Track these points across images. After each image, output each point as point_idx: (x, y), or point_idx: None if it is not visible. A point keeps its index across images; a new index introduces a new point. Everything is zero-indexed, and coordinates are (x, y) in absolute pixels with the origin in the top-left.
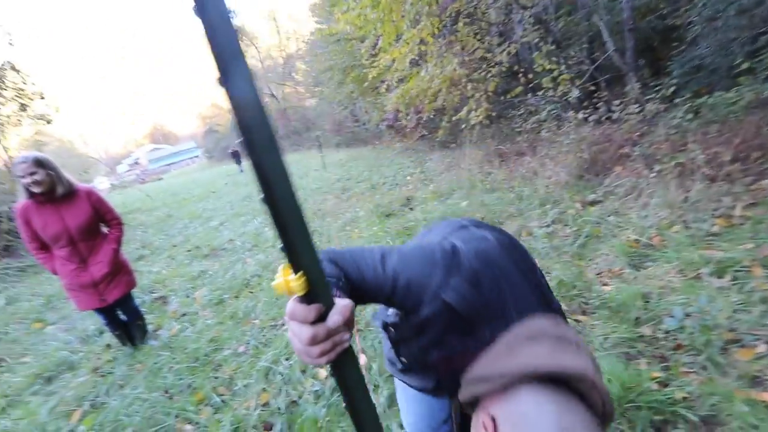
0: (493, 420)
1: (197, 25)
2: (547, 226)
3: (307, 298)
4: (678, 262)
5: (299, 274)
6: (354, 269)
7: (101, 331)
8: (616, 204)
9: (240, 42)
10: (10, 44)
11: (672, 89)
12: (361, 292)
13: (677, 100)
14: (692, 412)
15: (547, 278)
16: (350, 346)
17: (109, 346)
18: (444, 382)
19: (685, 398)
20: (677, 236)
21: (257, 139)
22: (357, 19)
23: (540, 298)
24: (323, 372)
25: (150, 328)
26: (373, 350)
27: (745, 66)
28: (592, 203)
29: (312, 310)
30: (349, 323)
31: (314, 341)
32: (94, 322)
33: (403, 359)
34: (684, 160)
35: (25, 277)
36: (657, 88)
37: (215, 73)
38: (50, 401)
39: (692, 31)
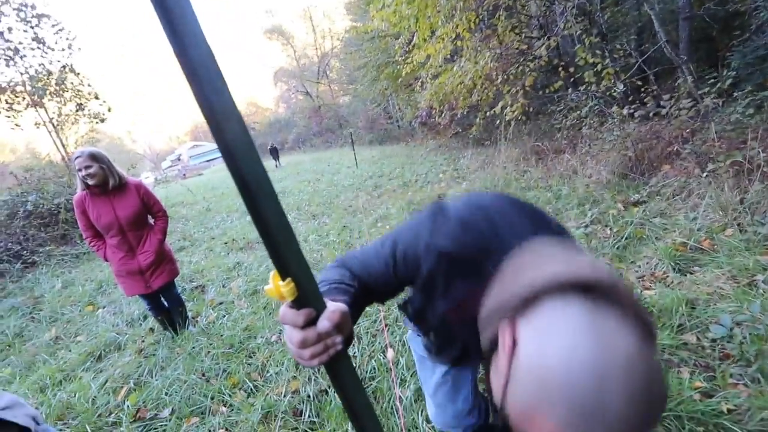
0: (514, 342)
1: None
2: (586, 226)
3: (297, 303)
4: (730, 268)
5: (287, 280)
6: (359, 263)
7: (145, 316)
8: (663, 205)
9: (210, 48)
10: (78, 49)
11: (731, 81)
12: (372, 284)
13: (737, 94)
14: (739, 426)
15: None
16: (344, 349)
17: (152, 329)
18: (468, 342)
19: (731, 411)
20: (730, 240)
21: (236, 150)
22: (392, 16)
23: (538, 223)
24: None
25: (189, 314)
26: (401, 345)
27: None
28: (636, 203)
29: (301, 315)
30: (340, 327)
31: (304, 345)
32: (139, 307)
33: (431, 337)
34: (741, 158)
35: (80, 263)
36: (714, 81)
37: (187, 83)
38: (100, 378)
39: (758, 18)
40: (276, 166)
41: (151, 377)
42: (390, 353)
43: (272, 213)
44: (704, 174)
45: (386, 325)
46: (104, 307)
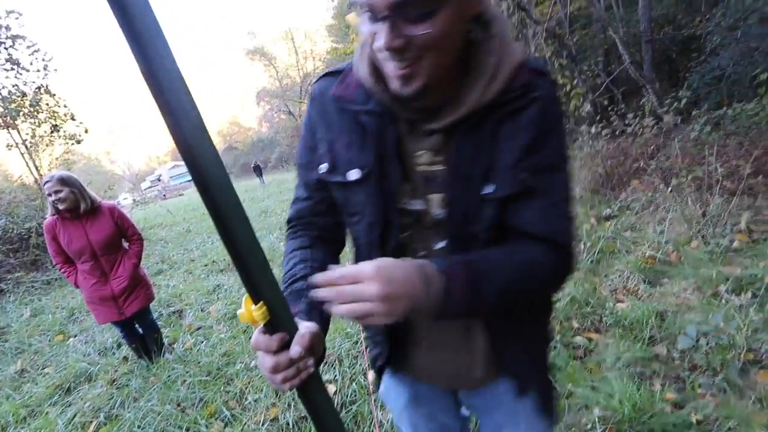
0: None
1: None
2: None
3: (270, 327)
4: (695, 279)
5: (260, 304)
6: (299, 206)
7: (119, 344)
8: (632, 219)
9: (180, 72)
10: (55, 70)
11: (690, 101)
12: (319, 212)
13: (695, 112)
14: None
15: (560, 295)
16: (316, 372)
17: (126, 358)
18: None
19: (700, 422)
20: (695, 252)
21: (207, 173)
22: None
23: None
24: (332, 388)
25: (165, 341)
26: None
27: (764, 77)
28: (608, 218)
29: (274, 340)
30: (312, 349)
31: (276, 370)
32: (112, 334)
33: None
34: (702, 173)
35: (51, 290)
36: (674, 101)
37: (155, 104)
38: (68, 412)
39: (712, 42)
40: (261, 183)
41: (124, 409)
42: (371, 375)
43: (243, 236)
44: (669, 189)
45: (367, 347)
46: (75, 336)
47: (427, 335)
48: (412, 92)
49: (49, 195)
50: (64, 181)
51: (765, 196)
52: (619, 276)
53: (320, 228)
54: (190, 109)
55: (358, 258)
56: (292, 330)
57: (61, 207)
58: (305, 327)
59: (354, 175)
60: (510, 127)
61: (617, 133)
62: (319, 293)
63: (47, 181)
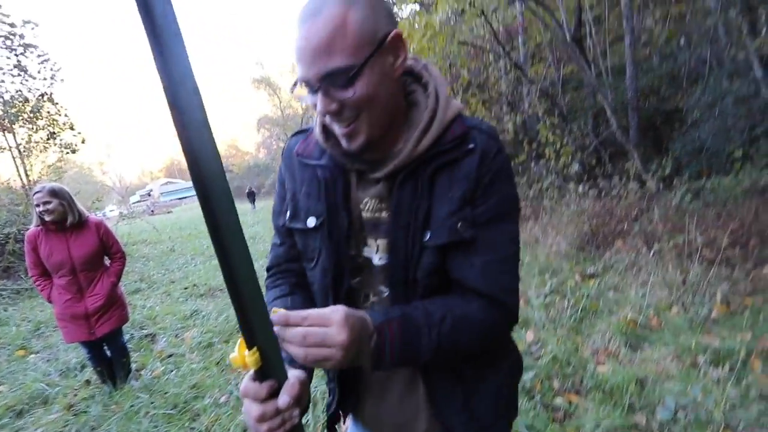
0: None
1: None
2: (546, 296)
3: (260, 374)
4: (675, 347)
5: (254, 349)
6: (276, 253)
7: (83, 366)
8: (616, 279)
9: (200, 95)
10: (61, 80)
11: (673, 169)
12: (298, 269)
13: (677, 180)
14: None
15: (542, 352)
16: (300, 423)
17: (88, 382)
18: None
19: None
20: (675, 319)
21: (220, 218)
22: None
23: None
24: None
25: (133, 366)
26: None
27: (739, 153)
28: (592, 276)
29: (263, 389)
30: (299, 399)
31: (263, 419)
32: (77, 354)
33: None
34: (682, 241)
35: (19, 300)
36: (658, 168)
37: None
38: None
39: (693, 115)
40: (252, 208)
41: None
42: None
43: (249, 283)
44: (651, 253)
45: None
46: (38, 353)
47: (376, 382)
48: (357, 147)
49: (37, 205)
50: (54, 193)
51: (742, 268)
52: (601, 337)
53: (296, 274)
54: (206, 133)
55: (315, 302)
56: (282, 378)
57: (47, 218)
58: (294, 376)
59: (312, 222)
60: (446, 177)
61: (603, 193)
62: (282, 333)
63: (37, 192)
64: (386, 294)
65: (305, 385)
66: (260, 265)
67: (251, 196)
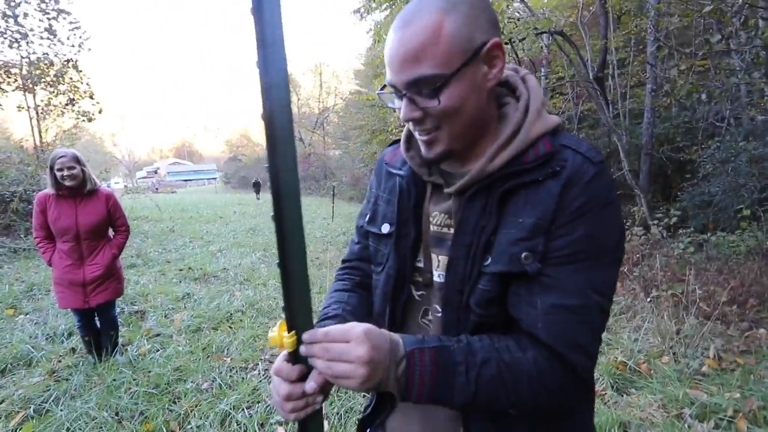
0: None
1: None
2: None
3: (294, 357)
4: (662, 396)
5: (292, 332)
6: (353, 249)
7: (71, 333)
8: (610, 321)
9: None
10: (89, 49)
11: (679, 219)
12: (368, 270)
13: (682, 231)
14: None
15: None
16: (320, 410)
17: (73, 350)
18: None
19: None
20: (665, 368)
21: (286, 211)
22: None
23: None
24: (281, 431)
25: (120, 341)
26: (338, 418)
27: (747, 212)
28: None
29: (295, 371)
30: (323, 388)
31: (289, 398)
32: (67, 321)
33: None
34: (681, 291)
35: (16, 259)
36: (665, 216)
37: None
38: None
39: (705, 168)
40: (257, 198)
41: (56, 406)
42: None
43: (300, 272)
44: (648, 299)
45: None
46: (27, 314)
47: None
48: (435, 157)
49: (60, 170)
50: (78, 160)
51: (737, 326)
52: None
53: (363, 274)
54: (289, 138)
55: (372, 306)
56: (311, 366)
57: (68, 183)
58: None
59: (386, 228)
60: (521, 199)
61: None
62: (308, 349)
63: (62, 156)
64: (440, 314)
65: None
66: (257, 257)
67: (257, 187)
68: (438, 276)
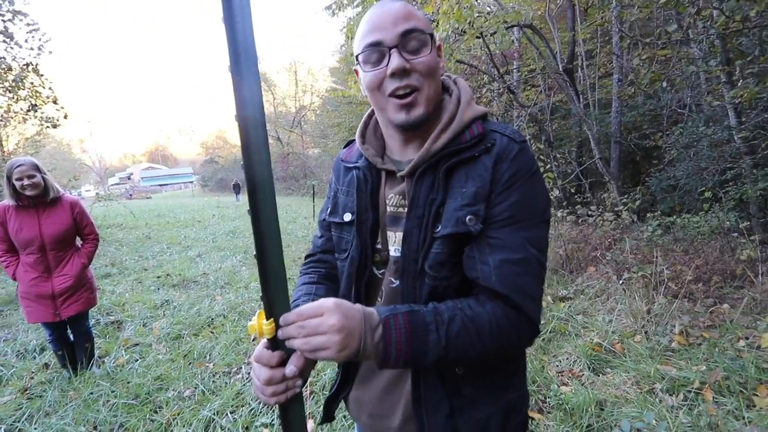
0: None
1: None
2: None
3: (273, 343)
4: (635, 373)
5: (270, 320)
6: (316, 243)
7: (43, 348)
8: (585, 304)
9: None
10: (50, 52)
11: (647, 203)
12: (331, 260)
13: (650, 215)
14: None
15: None
16: (300, 393)
17: (46, 365)
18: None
19: None
20: (638, 346)
21: (261, 201)
22: None
23: None
24: None
25: (96, 353)
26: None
27: (709, 194)
28: (563, 299)
29: (275, 357)
30: (303, 372)
31: (270, 382)
32: (38, 336)
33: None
34: (650, 272)
35: None
36: (635, 200)
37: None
38: None
39: (670, 154)
40: (236, 200)
41: (30, 424)
42: (310, 425)
43: (276, 262)
44: (620, 281)
45: (311, 393)
46: None
47: (367, 369)
48: (415, 119)
49: (19, 179)
50: (37, 167)
51: (703, 303)
52: (567, 358)
53: (328, 266)
54: (262, 135)
55: (340, 291)
56: (290, 350)
57: (29, 193)
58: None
59: (348, 216)
60: (462, 174)
61: (580, 220)
62: (285, 331)
63: (20, 165)
64: (396, 284)
65: (310, 360)
66: (238, 260)
67: (236, 188)
68: (394, 251)
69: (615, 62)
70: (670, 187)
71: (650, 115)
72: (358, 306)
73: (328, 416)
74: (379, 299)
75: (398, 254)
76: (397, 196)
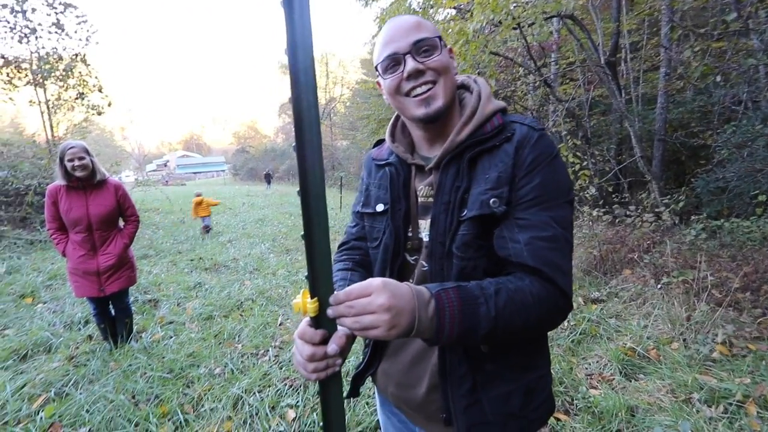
0: None
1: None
2: None
3: (316, 321)
4: (671, 381)
5: (315, 299)
6: (348, 233)
7: (87, 321)
8: (619, 307)
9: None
10: (96, 43)
11: (692, 205)
12: (364, 249)
13: (694, 218)
14: None
15: None
16: (339, 371)
17: (90, 337)
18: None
19: None
20: (675, 354)
21: (312, 190)
22: None
23: None
24: (291, 414)
25: (135, 328)
26: (346, 402)
27: (763, 198)
28: (595, 301)
29: (317, 334)
30: (344, 352)
31: (312, 359)
32: (83, 309)
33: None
34: (692, 278)
35: (33, 250)
36: (678, 201)
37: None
38: (18, 380)
39: (720, 154)
40: (267, 187)
41: (76, 389)
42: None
43: (322, 242)
44: (658, 286)
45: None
46: (45, 303)
47: (395, 343)
48: (434, 112)
49: (70, 161)
50: (87, 151)
51: (750, 313)
52: (597, 362)
53: (361, 252)
54: (316, 127)
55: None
56: (332, 329)
57: (79, 174)
58: (342, 330)
59: (380, 207)
60: (486, 161)
61: (617, 220)
62: (334, 311)
63: (72, 147)
64: (425, 268)
65: (350, 340)
66: (266, 247)
67: (267, 177)
68: (425, 236)
69: (663, 54)
70: (719, 189)
71: (699, 111)
72: (406, 284)
73: (353, 392)
74: (411, 281)
75: (427, 238)
76: (427, 187)
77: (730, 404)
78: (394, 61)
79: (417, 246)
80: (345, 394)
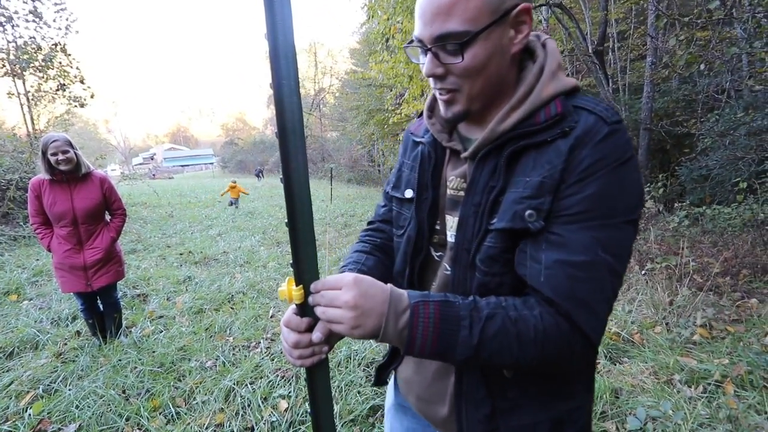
0: None
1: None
2: None
3: (301, 309)
4: (653, 364)
5: (300, 287)
6: (379, 212)
7: (75, 317)
8: None
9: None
10: (76, 32)
11: (676, 193)
12: (388, 233)
13: (678, 205)
14: None
15: None
16: (326, 358)
17: (78, 333)
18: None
19: None
20: (657, 337)
21: (295, 177)
22: (389, 71)
23: None
24: (284, 404)
25: (124, 323)
26: (338, 391)
27: (744, 185)
28: None
29: (303, 322)
30: (328, 339)
31: (297, 346)
32: (70, 305)
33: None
34: (675, 264)
35: (16, 246)
36: (658, 188)
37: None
38: (4, 378)
39: (703, 142)
40: (258, 180)
41: (65, 386)
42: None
43: (306, 229)
44: (642, 272)
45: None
46: (30, 300)
47: None
48: (453, 116)
49: (54, 154)
50: (70, 144)
51: (729, 297)
52: None
53: (385, 236)
54: (298, 114)
55: (388, 267)
56: (317, 318)
57: (63, 168)
58: None
59: (409, 193)
60: (530, 160)
61: None
62: (311, 299)
63: (55, 140)
64: (448, 272)
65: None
66: (256, 240)
67: (258, 173)
68: (450, 236)
69: (649, 43)
70: (702, 177)
71: (684, 100)
72: (386, 286)
73: (378, 381)
74: (433, 284)
75: (453, 240)
76: (458, 178)
77: (709, 384)
78: (419, 48)
79: (442, 242)
80: (372, 382)
